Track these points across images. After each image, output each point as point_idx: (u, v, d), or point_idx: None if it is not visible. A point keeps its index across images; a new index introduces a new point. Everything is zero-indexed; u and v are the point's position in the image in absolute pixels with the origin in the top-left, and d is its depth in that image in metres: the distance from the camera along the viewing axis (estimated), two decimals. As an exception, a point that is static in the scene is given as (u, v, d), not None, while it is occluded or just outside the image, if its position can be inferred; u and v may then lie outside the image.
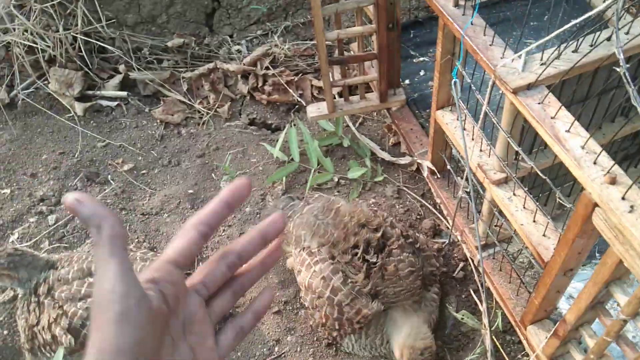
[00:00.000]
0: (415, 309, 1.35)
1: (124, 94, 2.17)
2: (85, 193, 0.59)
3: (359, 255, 1.32)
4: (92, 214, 0.50)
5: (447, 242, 1.59)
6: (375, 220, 1.38)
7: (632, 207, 0.78)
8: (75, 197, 0.50)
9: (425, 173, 1.65)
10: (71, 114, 2.13)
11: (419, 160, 1.69)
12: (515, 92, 0.97)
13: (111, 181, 1.92)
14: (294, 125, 1.99)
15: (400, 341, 1.30)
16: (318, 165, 1.84)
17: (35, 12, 2.09)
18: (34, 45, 2.09)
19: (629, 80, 0.75)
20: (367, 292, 1.32)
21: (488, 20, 1.13)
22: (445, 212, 1.61)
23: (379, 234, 1.34)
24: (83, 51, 2.13)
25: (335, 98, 1.79)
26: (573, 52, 0.99)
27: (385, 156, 1.84)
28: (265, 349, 1.47)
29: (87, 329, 1.33)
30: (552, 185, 0.99)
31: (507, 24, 1.80)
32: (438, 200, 1.64)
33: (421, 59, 2.00)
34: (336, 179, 1.83)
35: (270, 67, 2.10)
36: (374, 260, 1.31)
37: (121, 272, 0.51)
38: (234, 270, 0.57)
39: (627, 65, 0.76)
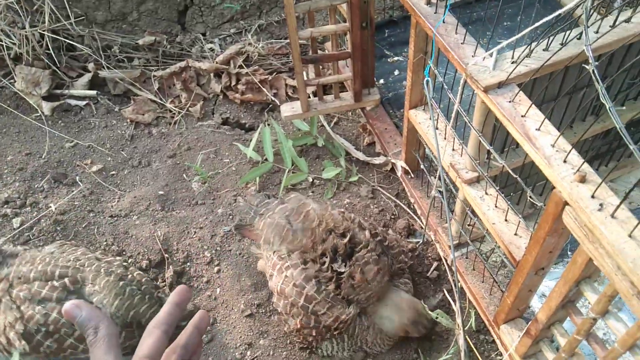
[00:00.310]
0: (393, 291, 1.36)
1: (93, 93, 2.11)
2: (81, 300, 0.69)
3: (326, 265, 1.30)
4: (90, 317, 0.63)
5: (421, 241, 1.59)
6: (342, 225, 1.36)
7: (601, 205, 0.77)
8: (73, 303, 0.64)
9: (399, 173, 1.64)
10: (38, 114, 2.07)
11: (392, 160, 1.68)
12: (486, 90, 0.96)
13: (79, 182, 1.87)
14: (268, 124, 1.96)
15: (398, 320, 1.33)
16: (292, 165, 1.81)
17: (-1, 8, 2.03)
18: (-1, 42, 2.02)
19: (598, 77, 0.74)
20: (341, 298, 1.30)
21: (461, 20, 1.13)
22: (419, 212, 1.61)
23: (346, 240, 1.32)
24: (51, 49, 2.08)
25: (309, 97, 1.77)
26: (544, 50, 0.99)
27: (360, 156, 1.83)
28: (237, 353, 1.44)
29: (41, 335, 1.29)
30: (522, 184, 0.98)
31: (480, 23, 1.81)
32: (412, 200, 1.64)
33: (395, 58, 2.00)
34: (310, 179, 1.81)
35: (244, 66, 2.07)
36: (342, 270, 1.30)
37: None
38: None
39: (596, 63, 0.75)
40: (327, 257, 1.31)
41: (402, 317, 1.33)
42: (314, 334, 1.32)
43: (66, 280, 1.33)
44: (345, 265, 1.30)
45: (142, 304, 1.37)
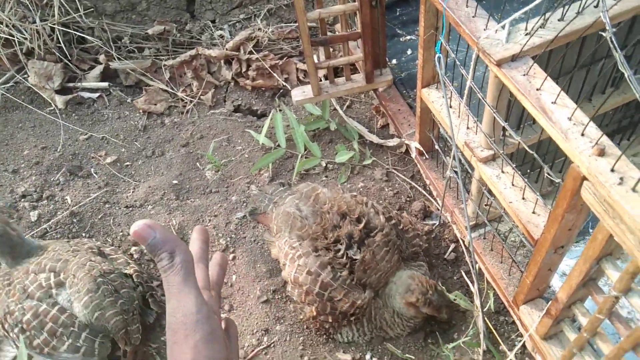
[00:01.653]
0: (404, 269, 1.35)
1: (105, 84, 2.12)
2: (153, 220, 0.65)
3: (341, 252, 1.28)
4: (165, 240, 0.56)
5: (437, 223, 1.56)
6: (357, 209, 1.33)
7: (621, 179, 0.74)
8: (146, 223, 0.56)
9: (414, 154, 1.61)
10: (52, 108, 2.08)
11: (406, 141, 1.65)
12: (499, 64, 0.93)
13: (94, 174, 1.87)
14: (280, 110, 1.94)
15: (401, 291, 1.30)
16: (305, 150, 1.80)
17: (10, 3, 2.03)
18: (11, 37, 2.03)
19: (615, 45, 0.71)
20: (355, 284, 1.29)
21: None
22: (434, 193, 1.58)
23: (361, 226, 1.30)
24: (62, 42, 2.08)
25: (320, 81, 1.74)
26: (559, 20, 0.95)
27: (374, 138, 1.80)
28: (254, 340, 1.44)
29: (15, 332, 1.31)
30: (539, 160, 0.95)
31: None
32: (427, 182, 1.61)
33: (408, 37, 1.96)
34: (324, 164, 1.79)
35: (254, 52, 2.05)
36: (357, 257, 1.28)
37: (199, 296, 0.57)
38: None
39: (614, 30, 0.71)
40: (342, 244, 1.29)
41: (403, 287, 1.30)
42: (330, 320, 1.31)
43: (52, 274, 1.35)
44: (360, 252, 1.28)
45: (111, 308, 1.34)
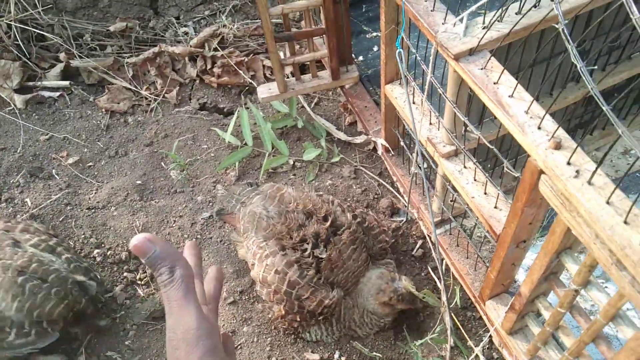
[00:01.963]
0: (373, 269, 1.34)
1: (66, 83, 2.05)
2: (152, 234, 0.63)
3: (308, 252, 1.27)
4: (165, 255, 0.55)
5: (405, 220, 1.55)
6: (322, 208, 1.32)
7: (577, 172, 0.74)
8: (146, 236, 0.55)
9: (380, 151, 1.60)
10: (11, 107, 2.02)
11: (373, 138, 1.64)
12: (456, 58, 0.92)
13: (56, 176, 1.82)
14: (246, 107, 1.91)
15: (373, 293, 1.29)
16: (272, 148, 1.77)
17: (-37, -1, 1.96)
18: (-35, 35, 1.96)
19: (568, 37, 0.70)
20: (323, 282, 1.27)
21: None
22: (401, 190, 1.57)
23: (327, 224, 1.28)
24: (19, 40, 2.01)
25: (287, 77, 1.72)
26: (516, 13, 0.95)
27: (342, 136, 1.78)
28: (220, 342, 1.41)
29: None
30: (498, 154, 0.95)
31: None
32: (394, 178, 1.60)
33: (374, 34, 1.94)
34: (292, 162, 1.77)
35: (219, 49, 2.02)
36: (323, 256, 1.26)
37: (199, 312, 0.56)
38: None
39: (566, 22, 0.71)
40: (308, 243, 1.27)
41: (374, 288, 1.29)
42: (298, 319, 1.29)
43: None
44: (326, 250, 1.27)
45: (47, 302, 1.27)
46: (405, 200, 1.53)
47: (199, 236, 1.62)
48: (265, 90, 1.70)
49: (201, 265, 0.68)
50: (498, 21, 0.92)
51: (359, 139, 1.75)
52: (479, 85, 0.88)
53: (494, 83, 0.87)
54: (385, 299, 1.28)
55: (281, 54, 1.72)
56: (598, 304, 0.81)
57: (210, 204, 1.70)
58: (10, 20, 1.97)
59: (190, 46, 2.01)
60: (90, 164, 1.85)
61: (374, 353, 1.35)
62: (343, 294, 1.31)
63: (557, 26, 0.72)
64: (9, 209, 1.73)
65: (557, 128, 0.78)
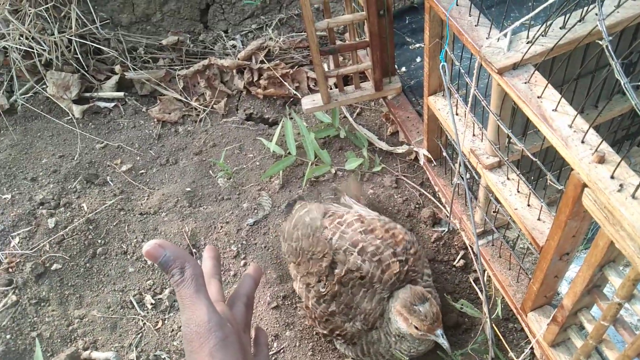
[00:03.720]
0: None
1: (120, 94, 2.16)
2: (164, 240, 0.71)
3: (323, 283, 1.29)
4: (175, 257, 0.61)
5: (447, 230, 1.57)
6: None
7: (621, 185, 0.74)
8: (157, 242, 0.61)
9: (422, 161, 1.62)
10: (70, 117, 2.14)
11: (415, 149, 1.66)
12: (500, 72, 0.94)
13: (110, 182, 1.92)
14: (291, 118, 1.97)
15: (397, 307, 1.20)
16: (315, 157, 1.82)
17: (30, 16, 2.09)
18: (30, 49, 2.09)
19: (612, 54, 0.71)
20: (341, 311, 1.27)
21: (485, 2, 1.10)
22: (443, 200, 1.58)
23: (326, 263, 1.30)
24: (79, 53, 2.13)
25: (330, 89, 1.76)
26: (561, 28, 0.96)
27: (383, 146, 1.81)
28: (264, 345, 1.46)
29: None
30: (542, 167, 0.96)
31: (503, 5, 1.76)
32: (436, 188, 1.61)
33: (417, 45, 1.97)
34: (333, 171, 1.81)
35: (265, 61, 2.08)
36: (322, 290, 1.28)
37: (210, 305, 0.61)
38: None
39: (610, 38, 0.72)
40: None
41: (399, 301, 1.21)
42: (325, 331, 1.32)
43: None
44: (324, 286, 1.29)
45: None
46: (447, 211, 1.54)
47: (244, 242, 1.68)
48: (309, 102, 1.75)
49: (219, 266, 0.75)
50: (542, 35, 0.94)
51: (401, 149, 1.77)
52: (522, 99, 0.89)
53: (538, 97, 0.89)
54: (399, 308, 1.19)
55: (325, 66, 1.77)
56: (642, 317, 0.81)
57: (255, 210, 1.75)
58: (71, 36, 2.10)
59: (238, 59, 2.08)
60: (143, 171, 1.94)
61: (415, 361, 1.37)
62: (366, 328, 1.26)
63: (601, 43, 0.73)
64: (67, 213, 1.83)
65: (601, 142, 0.79)
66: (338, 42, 1.63)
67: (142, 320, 1.56)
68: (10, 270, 1.67)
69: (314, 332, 1.46)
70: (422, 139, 1.66)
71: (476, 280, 1.45)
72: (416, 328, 1.17)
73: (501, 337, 1.33)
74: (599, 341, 0.96)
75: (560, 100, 0.86)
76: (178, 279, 0.61)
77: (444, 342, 1.16)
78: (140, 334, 1.54)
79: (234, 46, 2.22)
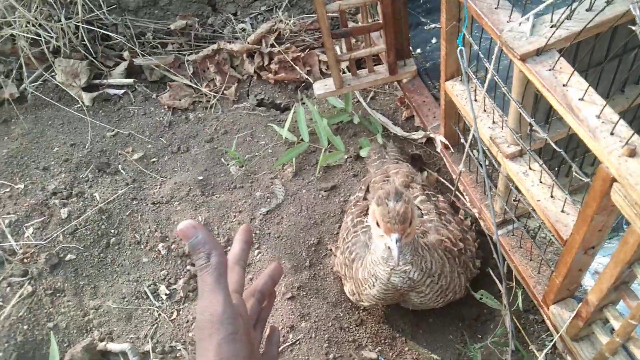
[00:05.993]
0: None
1: (130, 81, 2.13)
2: (197, 221, 0.71)
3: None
4: (205, 241, 0.62)
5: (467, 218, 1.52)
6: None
7: (654, 181, 0.70)
8: (192, 223, 0.62)
9: (439, 148, 1.57)
10: (80, 105, 2.11)
11: (431, 135, 1.61)
12: (523, 58, 0.89)
13: (122, 171, 1.90)
14: (303, 103, 1.92)
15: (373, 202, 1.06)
16: (328, 144, 1.77)
17: (36, 2, 2.06)
18: (38, 37, 2.06)
19: (647, 39, 0.66)
20: None
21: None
22: (461, 188, 1.54)
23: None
24: (86, 40, 2.10)
25: (343, 73, 1.71)
26: (587, 10, 0.90)
27: (398, 131, 1.76)
28: (280, 336, 1.44)
29: None
30: (567, 158, 0.91)
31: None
32: (454, 176, 1.57)
33: (432, 25, 1.90)
34: (346, 157, 1.77)
35: (276, 44, 2.03)
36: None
37: (227, 297, 0.62)
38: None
39: (645, 23, 0.67)
40: None
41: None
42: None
43: None
44: None
45: None
46: (465, 199, 1.50)
47: (257, 231, 1.66)
48: (322, 87, 1.70)
49: (248, 250, 0.73)
50: (567, 19, 0.88)
51: (417, 135, 1.72)
52: (546, 87, 0.84)
53: (563, 85, 0.83)
54: (374, 204, 1.05)
55: (337, 49, 1.71)
56: (675, 318, 0.77)
57: (268, 199, 1.72)
58: (78, 22, 2.06)
59: (248, 43, 2.04)
60: (154, 159, 1.92)
61: (432, 355, 1.34)
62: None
63: (634, 28, 0.68)
64: (79, 203, 1.82)
65: (632, 134, 0.74)
66: (350, 24, 1.57)
67: (157, 311, 1.56)
68: (25, 260, 1.67)
69: (330, 324, 1.44)
70: (438, 124, 1.61)
71: (495, 269, 1.41)
72: (378, 225, 1.05)
73: (521, 329, 1.30)
74: (627, 339, 0.93)
75: (587, 88, 0.81)
76: (203, 264, 0.62)
77: (394, 248, 1.02)
78: (156, 325, 1.53)
79: (243, 29, 2.17)
